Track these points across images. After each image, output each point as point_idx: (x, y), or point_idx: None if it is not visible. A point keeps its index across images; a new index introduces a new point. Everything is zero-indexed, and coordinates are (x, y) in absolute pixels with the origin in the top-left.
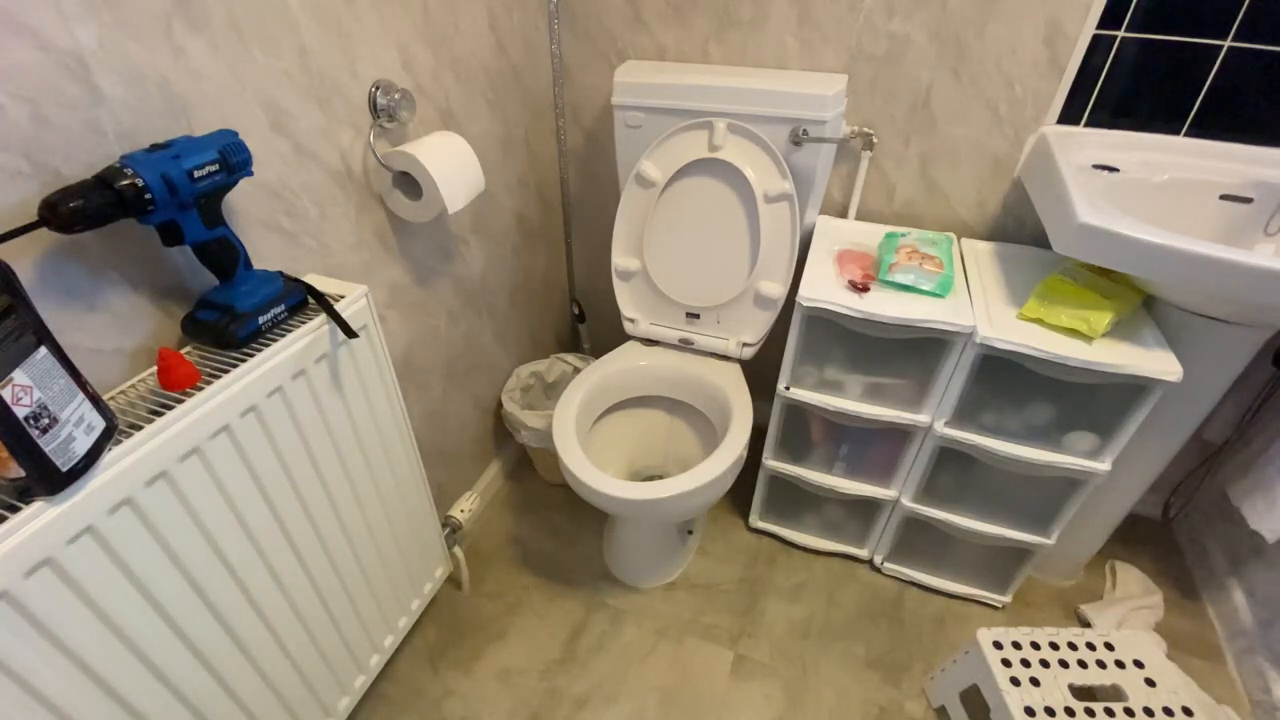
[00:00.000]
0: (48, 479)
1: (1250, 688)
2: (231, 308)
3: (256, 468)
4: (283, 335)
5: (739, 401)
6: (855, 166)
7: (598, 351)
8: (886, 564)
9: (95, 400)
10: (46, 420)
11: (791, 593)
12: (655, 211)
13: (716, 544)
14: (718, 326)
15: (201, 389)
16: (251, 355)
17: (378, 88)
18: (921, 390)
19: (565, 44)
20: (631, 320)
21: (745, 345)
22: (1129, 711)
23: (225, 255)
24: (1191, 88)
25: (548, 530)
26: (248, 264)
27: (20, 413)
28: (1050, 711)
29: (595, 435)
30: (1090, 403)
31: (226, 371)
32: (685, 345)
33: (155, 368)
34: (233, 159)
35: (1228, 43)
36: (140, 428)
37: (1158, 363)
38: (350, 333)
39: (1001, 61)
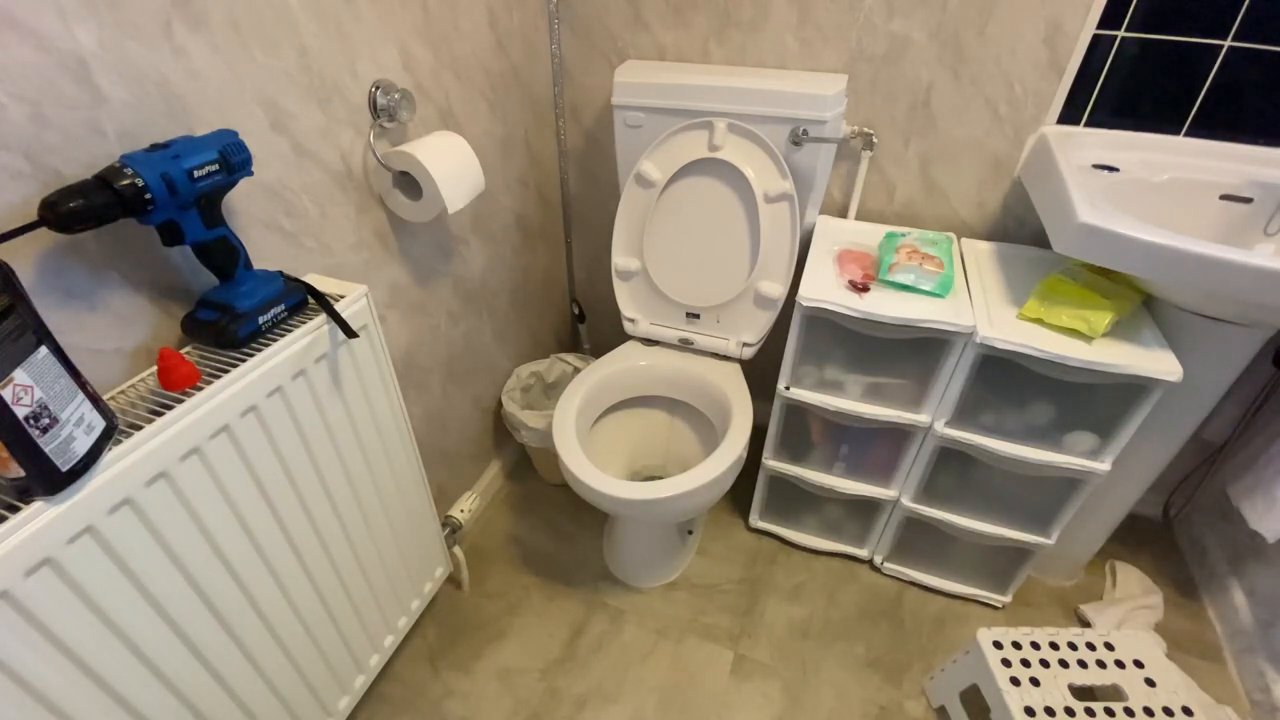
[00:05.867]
0: (48, 479)
1: (1250, 688)
2: (231, 307)
3: (256, 468)
4: (283, 335)
5: (739, 401)
6: (855, 166)
7: (598, 351)
8: (886, 564)
9: (95, 400)
10: (46, 420)
11: (791, 593)
12: (655, 211)
13: (716, 544)
14: (718, 326)
15: (201, 389)
16: (251, 355)
17: (378, 87)
18: (921, 390)
19: (565, 44)
20: (631, 320)
21: (745, 345)
22: (1129, 711)
23: (225, 255)
24: (1191, 88)
25: (548, 530)
26: (248, 264)
27: (20, 412)
28: (1050, 711)
29: (595, 435)
30: (1090, 403)
31: (226, 371)
32: (685, 345)
33: (155, 368)
34: (233, 159)
35: (1228, 43)
36: (140, 428)
37: (1158, 363)
38: (350, 333)
39: (1001, 61)
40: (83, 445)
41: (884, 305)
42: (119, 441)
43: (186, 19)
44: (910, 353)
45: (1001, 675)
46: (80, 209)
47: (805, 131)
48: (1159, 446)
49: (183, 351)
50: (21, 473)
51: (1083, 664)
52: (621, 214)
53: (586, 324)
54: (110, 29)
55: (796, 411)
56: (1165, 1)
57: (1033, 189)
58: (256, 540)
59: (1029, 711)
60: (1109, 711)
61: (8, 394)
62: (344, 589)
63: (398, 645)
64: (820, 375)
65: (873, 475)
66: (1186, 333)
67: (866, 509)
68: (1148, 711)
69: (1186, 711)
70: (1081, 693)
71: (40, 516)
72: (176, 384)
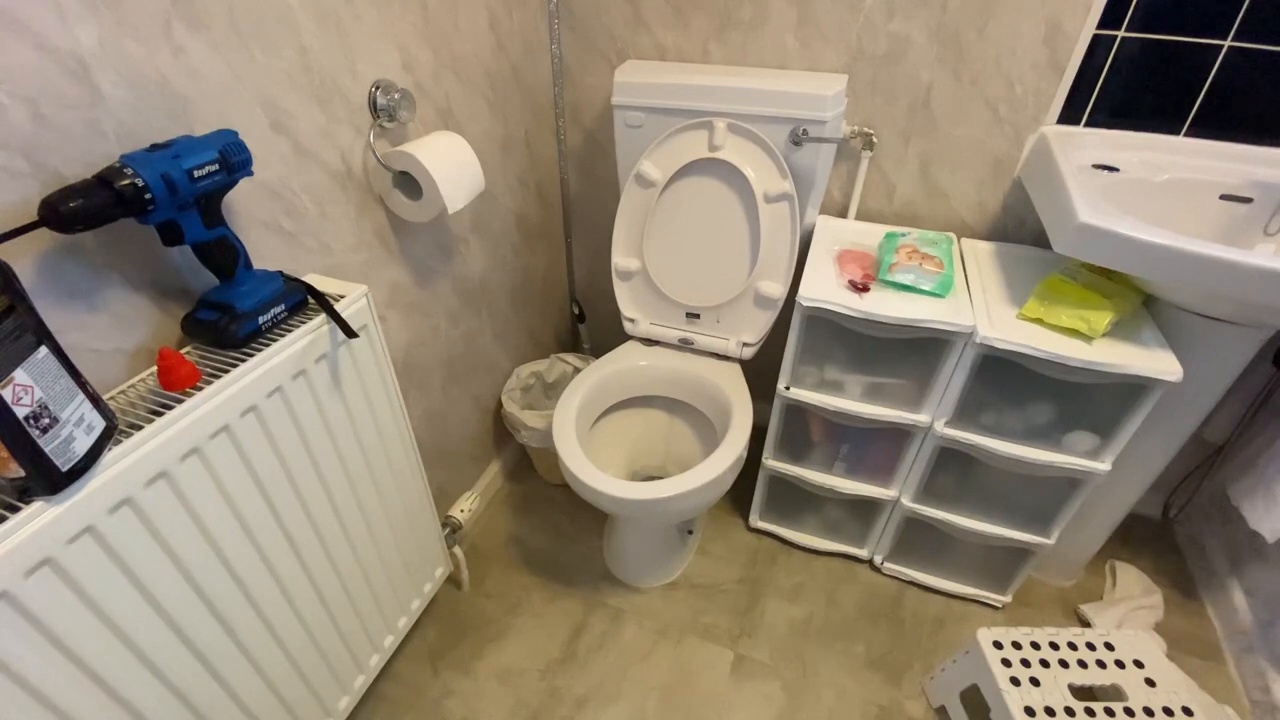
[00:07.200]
0: (48, 479)
1: (1250, 688)
2: (231, 307)
3: (256, 468)
4: (283, 335)
5: (739, 401)
6: (855, 166)
7: (598, 351)
8: (886, 564)
9: (95, 400)
10: (47, 420)
11: (791, 593)
12: (655, 211)
13: (716, 544)
14: (718, 326)
15: (201, 389)
16: (251, 355)
17: (378, 87)
18: (921, 390)
19: (565, 44)
20: (631, 320)
21: (745, 345)
22: (1129, 711)
23: (225, 255)
24: (1191, 87)
25: (548, 530)
26: (248, 264)
27: (20, 412)
28: (1050, 711)
29: (595, 435)
30: (1090, 403)
31: (226, 371)
32: (685, 345)
33: (155, 367)
34: (233, 159)
35: (1228, 43)
36: (140, 428)
37: (1158, 363)
38: (350, 333)
39: (1001, 61)
40: (83, 445)
41: (884, 305)
42: (119, 441)
43: (186, 19)
44: (910, 353)
45: (1001, 675)
46: (80, 209)
47: (805, 131)
48: (1159, 446)
49: (183, 351)
50: (21, 473)
51: (1083, 664)
52: (621, 214)
53: (586, 324)
54: (110, 29)
55: (796, 411)
56: (1165, 1)
57: (1033, 189)
58: (256, 540)
59: (1029, 711)
60: (1109, 711)
61: (8, 394)
62: (344, 589)
63: (398, 645)
64: (820, 375)
65: (873, 475)
66: (1186, 333)
67: (866, 509)
68: (1148, 711)
69: (1186, 711)
70: (1081, 693)
71: (40, 516)
72: (176, 384)
